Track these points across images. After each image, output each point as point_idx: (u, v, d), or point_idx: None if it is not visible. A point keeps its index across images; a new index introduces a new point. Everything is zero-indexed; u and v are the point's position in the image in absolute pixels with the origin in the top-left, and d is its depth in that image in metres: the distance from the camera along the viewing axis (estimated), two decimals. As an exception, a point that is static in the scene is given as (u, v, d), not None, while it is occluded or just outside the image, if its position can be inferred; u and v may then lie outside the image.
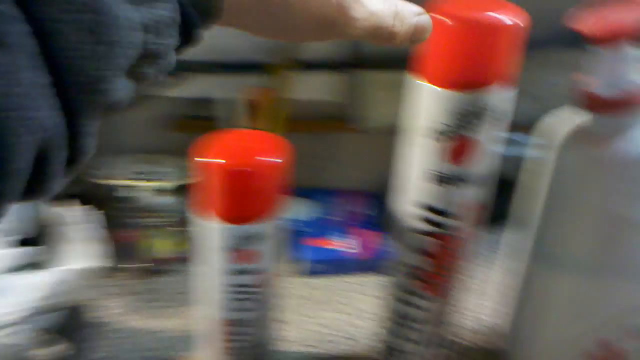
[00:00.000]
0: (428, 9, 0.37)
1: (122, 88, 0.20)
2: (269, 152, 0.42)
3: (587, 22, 0.42)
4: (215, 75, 0.65)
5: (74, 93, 0.18)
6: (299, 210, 0.74)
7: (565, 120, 0.48)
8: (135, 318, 0.59)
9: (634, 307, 0.50)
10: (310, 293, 0.65)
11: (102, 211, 0.62)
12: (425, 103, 0.39)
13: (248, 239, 0.42)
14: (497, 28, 0.37)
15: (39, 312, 0.45)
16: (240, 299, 0.45)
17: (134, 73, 0.21)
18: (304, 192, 0.77)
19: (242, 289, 0.44)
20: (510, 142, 0.74)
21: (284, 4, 0.25)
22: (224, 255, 0.43)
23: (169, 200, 0.64)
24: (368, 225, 0.73)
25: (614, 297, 0.49)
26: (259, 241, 0.43)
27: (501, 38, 0.38)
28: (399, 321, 0.49)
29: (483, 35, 0.37)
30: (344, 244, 0.69)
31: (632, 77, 0.42)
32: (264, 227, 0.42)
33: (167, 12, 0.21)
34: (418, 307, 0.47)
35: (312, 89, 0.68)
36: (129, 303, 0.61)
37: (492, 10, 0.37)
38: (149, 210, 0.63)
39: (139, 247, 0.64)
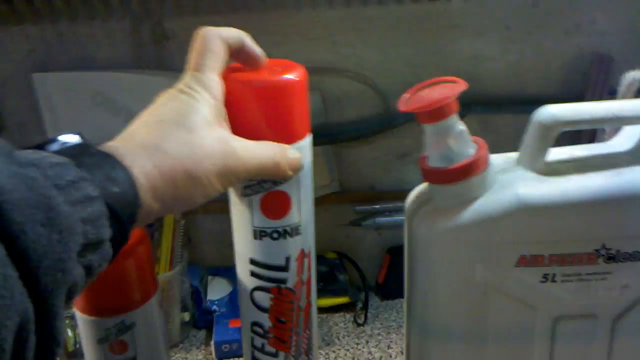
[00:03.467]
0: (225, 77, 0.40)
1: (77, 269, 0.25)
2: None
3: (410, 103, 0.44)
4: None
5: (42, 276, 0.23)
6: (212, 290, 0.75)
7: (420, 193, 0.49)
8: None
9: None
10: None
11: None
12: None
13: (120, 328, 0.44)
14: (287, 86, 0.40)
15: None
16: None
17: (82, 261, 0.26)
18: (214, 271, 0.78)
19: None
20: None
21: (198, 188, 0.34)
22: (95, 348, 0.45)
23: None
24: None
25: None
26: (130, 329, 0.45)
27: (292, 94, 0.40)
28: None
29: (274, 94, 0.40)
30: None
31: (458, 149, 0.44)
32: (138, 313, 0.44)
33: (97, 207, 0.27)
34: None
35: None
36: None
37: (279, 71, 0.40)
38: None
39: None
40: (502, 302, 0.46)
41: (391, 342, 0.71)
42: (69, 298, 0.26)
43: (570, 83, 0.74)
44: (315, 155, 0.74)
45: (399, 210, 0.76)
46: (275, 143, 0.39)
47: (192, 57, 0.37)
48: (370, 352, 0.69)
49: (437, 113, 0.42)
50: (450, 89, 0.43)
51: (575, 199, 0.43)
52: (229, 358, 0.68)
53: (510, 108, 0.74)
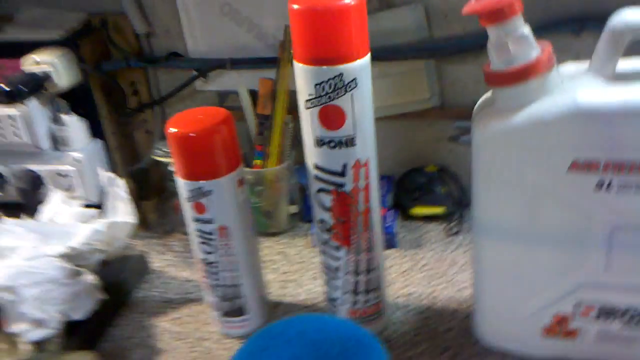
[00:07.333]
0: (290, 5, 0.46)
1: None
2: (213, 122, 0.53)
3: (473, 4, 0.45)
4: (237, 70, 0.79)
5: None
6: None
7: (487, 97, 0.50)
8: (174, 269, 0.77)
9: (585, 283, 0.50)
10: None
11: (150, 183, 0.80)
12: (298, 79, 0.48)
13: (198, 192, 0.54)
14: (337, 10, 0.44)
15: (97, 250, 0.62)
16: (200, 243, 0.57)
17: None
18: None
19: (200, 234, 0.57)
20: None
21: None
22: (186, 206, 0.56)
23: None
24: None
25: (552, 267, 0.50)
26: (207, 195, 0.54)
27: (343, 18, 0.45)
28: (325, 271, 0.57)
29: (326, 17, 0.44)
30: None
31: (517, 52, 0.44)
32: (212, 184, 0.54)
33: None
34: (332, 257, 0.55)
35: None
36: (167, 257, 0.79)
37: None
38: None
39: (177, 213, 0.77)
40: (554, 207, 0.47)
41: (477, 252, 0.73)
42: None
43: None
44: (416, 69, 0.76)
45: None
46: None
47: None
48: (454, 259, 0.73)
49: (497, 14, 0.44)
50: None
51: (636, 106, 0.42)
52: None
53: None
